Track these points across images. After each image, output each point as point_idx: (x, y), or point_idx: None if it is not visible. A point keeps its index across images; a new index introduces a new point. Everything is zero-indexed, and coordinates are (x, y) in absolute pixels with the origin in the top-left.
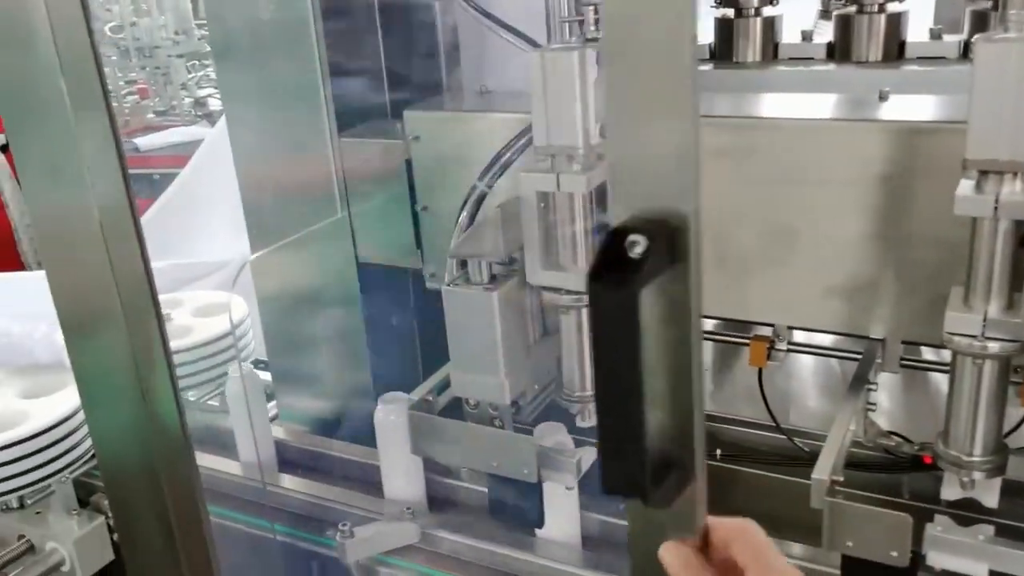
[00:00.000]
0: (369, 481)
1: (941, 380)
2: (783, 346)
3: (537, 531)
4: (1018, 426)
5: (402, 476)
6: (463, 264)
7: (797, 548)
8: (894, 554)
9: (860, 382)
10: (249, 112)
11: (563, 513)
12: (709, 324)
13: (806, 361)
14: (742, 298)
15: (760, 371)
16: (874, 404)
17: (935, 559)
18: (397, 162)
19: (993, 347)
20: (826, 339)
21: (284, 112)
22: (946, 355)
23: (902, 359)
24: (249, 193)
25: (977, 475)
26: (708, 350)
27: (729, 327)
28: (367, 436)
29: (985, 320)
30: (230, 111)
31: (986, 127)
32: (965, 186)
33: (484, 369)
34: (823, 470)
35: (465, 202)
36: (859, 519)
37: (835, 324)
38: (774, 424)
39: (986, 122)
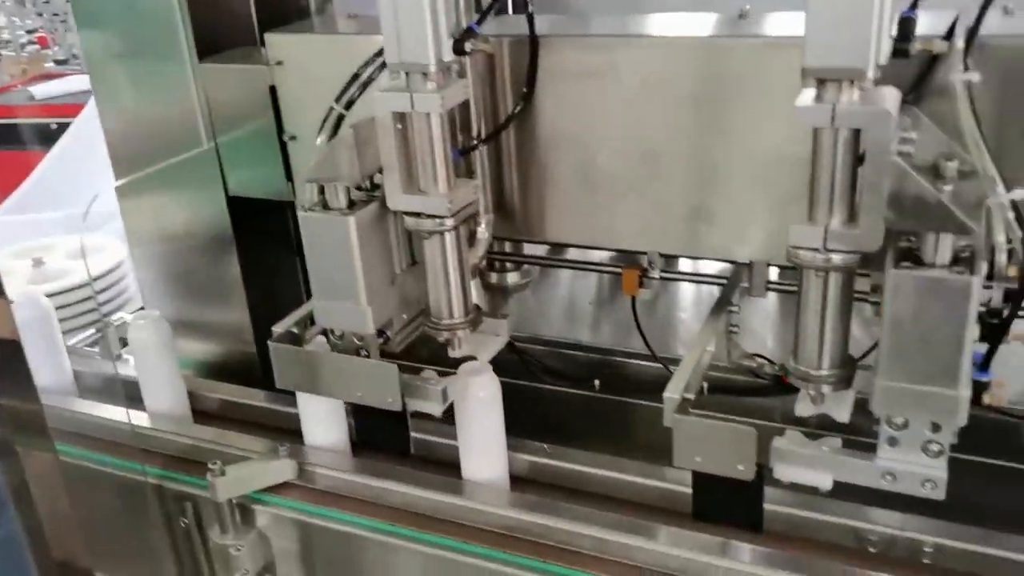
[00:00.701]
0: (256, 423)
1: None
2: (655, 274)
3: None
4: (875, 346)
5: (166, 391)
6: (322, 190)
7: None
8: (740, 468)
9: (722, 304)
10: (105, 39)
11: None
12: (593, 256)
13: (705, 292)
14: (610, 225)
15: (633, 300)
16: (737, 326)
17: (781, 471)
18: (262, 89)
19: (836, 259)
20: (713, 267)
21: (140, 38)
22: None
23: (772, 283)
24: (110, 125)
25: (825, 388)
26: (591, 281)
27: (614, 259)
28: (246, 378)
29: (827, 233)
30: (86, 39)
31: (822, 34)
32: (805, 95)
33: (345, 297)
34: (675, 388)
35: (322, 126)
36: (705, 434)
37: (702, 249)
38: (651, 353)
39: (822, 29)
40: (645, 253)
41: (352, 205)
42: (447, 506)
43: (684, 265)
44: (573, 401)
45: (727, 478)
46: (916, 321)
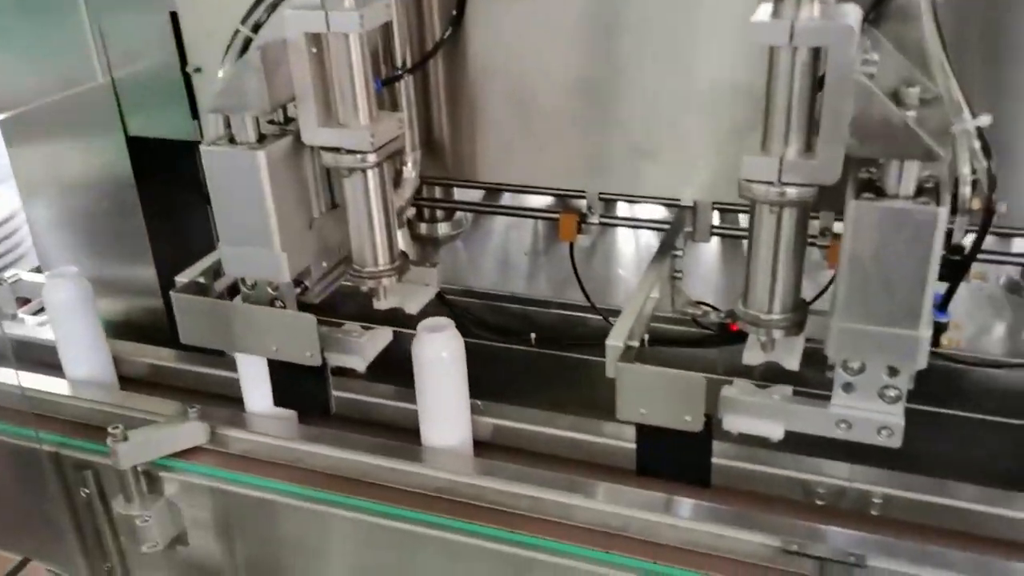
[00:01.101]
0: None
1: None
2: (595, 219)
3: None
4: (825, 289)
5: (89, 356)
6: (229, 123)
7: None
8: (688, 419)
9: (666, 249)
10: None
11: None
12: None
13: (644, 243)
14: (547, 164)
15: (572, 247)
16: (681, 272)
17: (731, 422)
18: (162, 15)
19: (791, 193)
20: (655, 213)
21: None
22: None
23: (716, 227)
24: None
25: (777, 333)
26: (526, 231)
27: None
28: (153, 336)
29: (782, 164)
30: None
31: None
32: (761, 11)
33: (256, 242)
34: (617, 336)
35: (227, 52)
36: (650, 383)
37: (644, 188)
38: (590, 305)
39: None
40: (584, 196)
41: (262, 139)
42: (378, 470)
43: (624, 211)
44: (508, 356)
45: (673, 431)
46: (877, 257)
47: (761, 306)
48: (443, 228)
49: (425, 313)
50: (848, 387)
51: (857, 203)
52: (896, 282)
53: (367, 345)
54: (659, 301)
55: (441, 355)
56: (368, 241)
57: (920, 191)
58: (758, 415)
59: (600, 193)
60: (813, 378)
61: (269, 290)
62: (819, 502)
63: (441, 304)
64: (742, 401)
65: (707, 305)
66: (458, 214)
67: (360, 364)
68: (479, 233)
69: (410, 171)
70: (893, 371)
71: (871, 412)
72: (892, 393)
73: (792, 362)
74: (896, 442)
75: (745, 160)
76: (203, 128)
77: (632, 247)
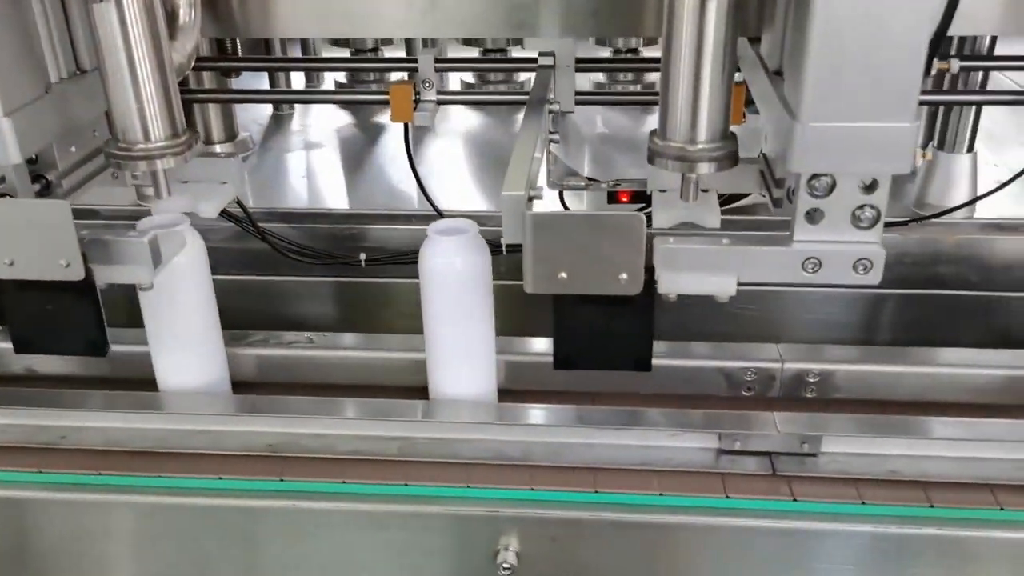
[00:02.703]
0: None
1: None
2: (431, 96)
3: None
4: None
5: None
6: None
7: None
8: (623, 277)
9: (537, 104)
10: None
11: None
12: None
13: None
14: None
15: (407, 128)
16: (556, 134)
17: (670, 282)
18: None
19: None
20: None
21: None
22: None
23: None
24: None
25: (704, 168)
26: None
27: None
28: None
29: None
30: None
31: None
32: None
33: None
34: (514, 184)
35: None
36: (571, 234)
37: (492, 29)
38: (435, 210)
39: None
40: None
41: None
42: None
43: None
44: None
45: (601, 300)
46: (857, 29)
47: (684, 134)
48: (222, 150)
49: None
50: (813, 216)
51: None
52: (882, 59)
53: (152, 246)
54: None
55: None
56: (133, 102)
57: None
58: (705, 267)
59: (436, 60)
60: None
61: None
62: (747, 392)
63: (242, 223)
64: (685, 252)
65: (591, 180)
66: (242, 133)
67: (146, 277)
68: (269, 156)
69: (187, 12)
70: (870, 186)
71: (844, 244)
72: (868, 214)
73: (712, 219)
74: (875, 277)
75: None
76: None
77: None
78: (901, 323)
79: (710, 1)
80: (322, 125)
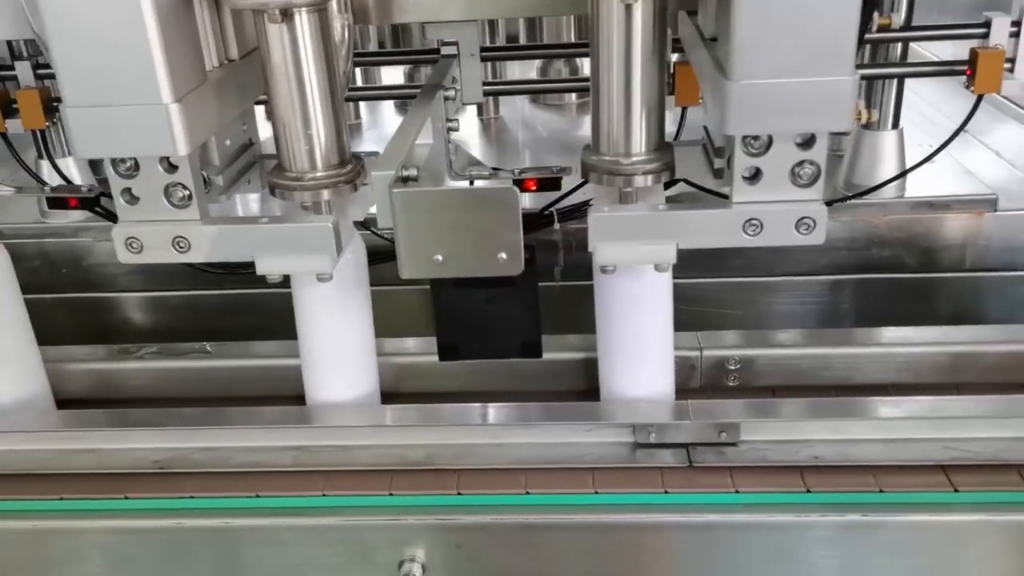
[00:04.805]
0: None
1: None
2: None
3: None
4: None
5: None
6: None
7: None
8: (502, 256)
9: (431, 90)
10: None
11: None
12: None
13: None
14: None
15: None
16: (456, 121)
17: (607, 253)
18: None
19: None
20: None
21: None
22: None
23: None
24: None
25: (641, 181)
26: None
27: None
28: None
29: None
30: None
31: None
32: None
33: (134, 94)
34: (387, 162)
35: None
36: (446, 211)
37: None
38: None
39: None
40: None
41: None
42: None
43: None
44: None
45: (481, 283)
46: None
47: (618, 147)
48: None
49: None
50: (752, 175)
51: None
52: (818, 9)
53: None
54: (435, 166)
55: None
56: (303, 128)
57: None
58: (642, 235)
59: None
60: None
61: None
62: None
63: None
64: (619, 220)
65: (494, 169)
66: None
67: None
68: None
69: (342, 34)
70: (807, 142)
71: (785, 203)
72: (808, 171)
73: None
74: (819, 237)
75: None
76: None
77: None
78: (834, 307)
79: (635, 8)
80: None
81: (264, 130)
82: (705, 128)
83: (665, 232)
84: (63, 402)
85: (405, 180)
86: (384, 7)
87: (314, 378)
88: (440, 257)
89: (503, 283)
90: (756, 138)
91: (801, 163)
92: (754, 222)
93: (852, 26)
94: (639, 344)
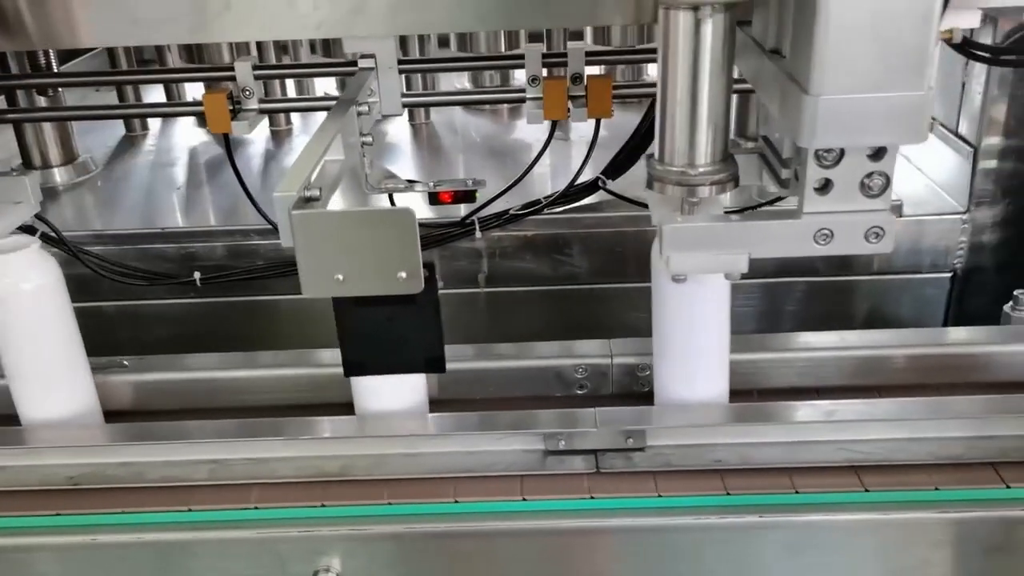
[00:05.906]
0: None
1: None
2: (252, 104)
3: None
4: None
5: None
6: None
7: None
8: (402, 276)
9: (344, 105)
10: None
11: None
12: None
13: None
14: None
15: (227, 138)
16: (370, 137)
17: (681, 262)
18: None
19: None
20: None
21: None
22: None
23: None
24: None
25: (707, 191)
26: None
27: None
28: None
29: None
30: None
31: None
32: None
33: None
34: (290, 184)
35: None
36: (346, 231)
37: (303, 29)
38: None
39: None
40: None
41: None
42: None
43: None
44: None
45: (384, 301)
46: None
47: (683, 157)
48: (62, 175)
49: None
50: (823, 186)
51: None
52: (896, 26)
53: None
54: (349, 177)
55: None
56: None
57: None
58: (715, 246)
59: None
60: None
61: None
62: (580, 391)
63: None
64: (693, 231)
65: (412, 181)
66: (82, 156)
67: None
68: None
69: None
70: (877, 153)
71: (854, 213)
72: (877, 182)
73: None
74: (887, 246)
75: None
76: None
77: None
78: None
79: (705, 22)
80: (177, 143)
81: None
82: (765, 138)
83: (739, 242)
84: None
85: (308, 200)
86: None
87: None
88: (341, 276)
89: (404, 300)
90: (829, 151)
91: (871, 174)
92: (825, 232)
93: (930, 41)
94: (698, 349)
